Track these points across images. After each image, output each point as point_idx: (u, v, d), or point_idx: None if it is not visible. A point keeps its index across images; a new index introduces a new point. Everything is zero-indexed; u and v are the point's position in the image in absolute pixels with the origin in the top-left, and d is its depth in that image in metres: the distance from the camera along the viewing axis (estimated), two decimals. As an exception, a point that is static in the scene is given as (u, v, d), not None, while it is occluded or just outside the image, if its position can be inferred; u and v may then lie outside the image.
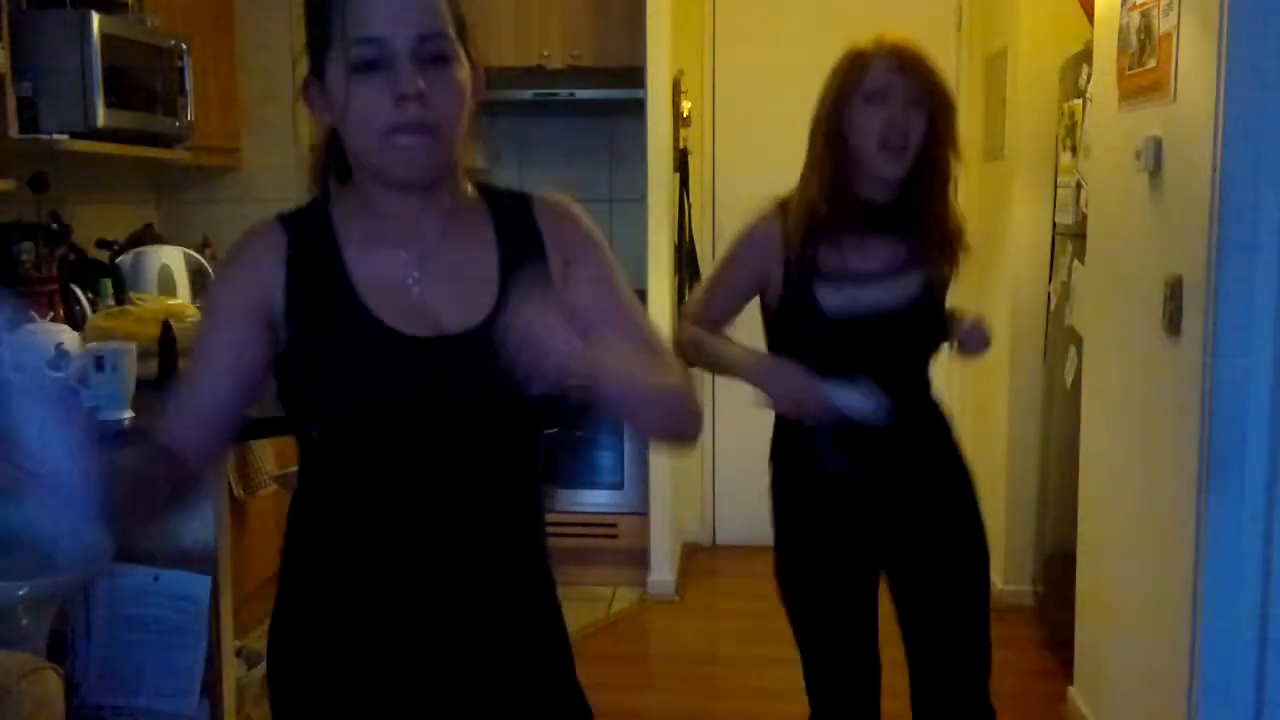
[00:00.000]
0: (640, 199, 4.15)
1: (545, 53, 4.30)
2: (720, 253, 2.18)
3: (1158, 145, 2.44)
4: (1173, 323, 2.35)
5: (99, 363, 2.41)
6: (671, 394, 1.29)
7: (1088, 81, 3.19)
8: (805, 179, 2.01)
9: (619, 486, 4.31)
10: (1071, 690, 3.10)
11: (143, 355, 2.61)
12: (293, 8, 4.20)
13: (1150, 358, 2.51)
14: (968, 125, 4.50)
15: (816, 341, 1.97)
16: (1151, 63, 2.50)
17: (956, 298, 2.14)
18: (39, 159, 3.21)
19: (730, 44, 4.69)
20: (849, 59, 1.97)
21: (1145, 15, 2.53)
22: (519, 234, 1.32)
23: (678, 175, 4.31)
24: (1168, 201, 2.44)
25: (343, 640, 1.32)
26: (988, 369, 4.23)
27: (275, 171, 4.30)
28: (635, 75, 4.09)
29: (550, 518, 1.43)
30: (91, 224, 3.71)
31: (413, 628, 1.30)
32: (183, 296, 3.58)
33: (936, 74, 1.95)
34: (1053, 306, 3.70)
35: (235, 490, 3.01)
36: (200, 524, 2.51)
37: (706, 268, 4.45)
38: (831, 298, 1.96)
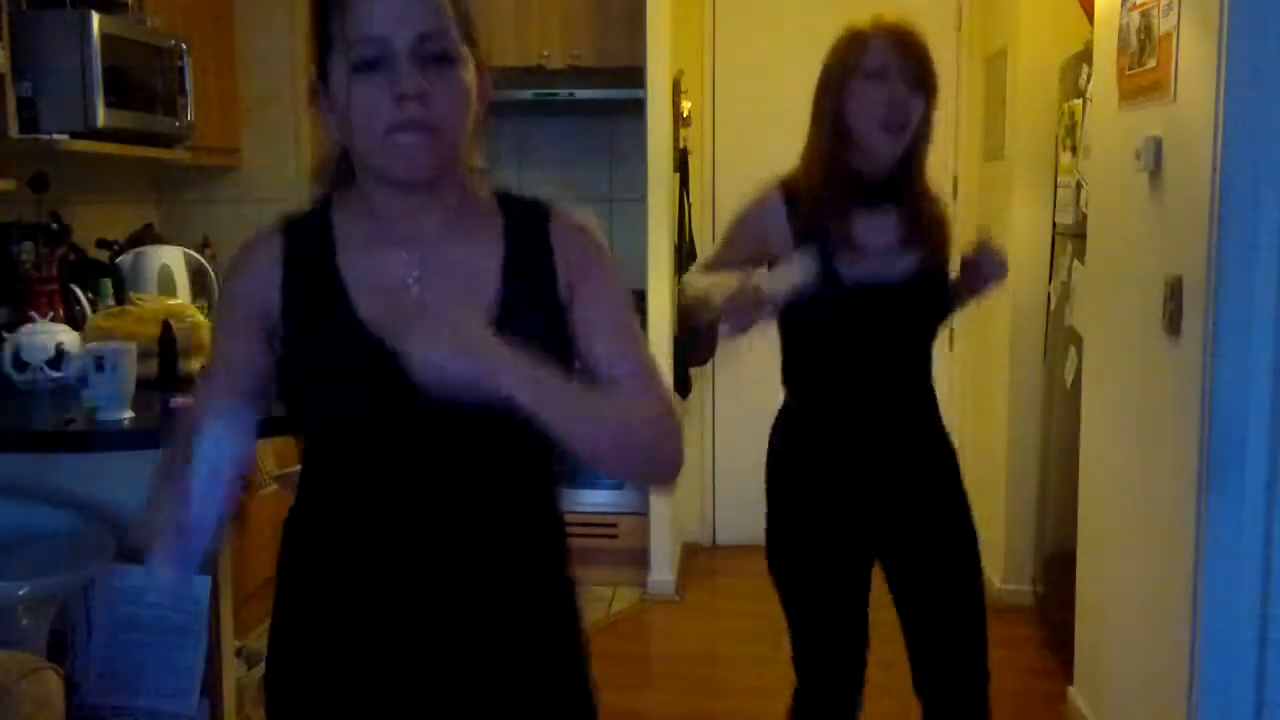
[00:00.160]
0: (640, 199, 4.15)
1: (545, 53, 4.30)
2: (723, 233, 2.18)
3: (1158, 145, 2.44)
4: (1173, 323, 2.35)
5: (99, 363, 2.42)
6: (632, 421, 1.25)
7: (1088, 81, 3.19)
8: (807, 156, 2.05)
9: (619, 486, 4.31)
10: (1071, 690, 3.10)
11: (143, 355, 2.61)
12: (293, 8, 4.20)
13: (1150, 358, 2.51)
14: (968, 125, 4.52)
15: (828, 313, 1.99)
16: (1151, 63, 2.50)
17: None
18: (39, 159, 3.21)
19: (730, 44, 4.69)
20: (848, 38, 2.01)
21: (1145, 15, 2.53)
22: (530, 241, 1.31)
23: (678, 175, 4.31)
24: (1168, 201, 2.44)
25: (343, 645, 1.31)
26: (988, 369, 4.23)
27: (275, 172, 4.30)
28: (635, 75, 4.09)
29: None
30: (91, 224, 3.71)
31: (414, 634, 1.30)
32: (183, 296, 3.58)
33: (930, 55, 1.99)
34: (1053, 306, 3.70)
35: (235, 490, 3.00)
36: (200, 524, 2.51)
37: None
38: (845, 267, 1.97)
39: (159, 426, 2.38)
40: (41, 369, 2.77)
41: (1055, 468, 3.58)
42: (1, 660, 1.98)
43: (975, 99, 4.40)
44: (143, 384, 2.55)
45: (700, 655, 3.79)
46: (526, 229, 1.32)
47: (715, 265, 2.09)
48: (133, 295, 3.34)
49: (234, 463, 1.12)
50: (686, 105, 4.37)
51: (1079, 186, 3.31)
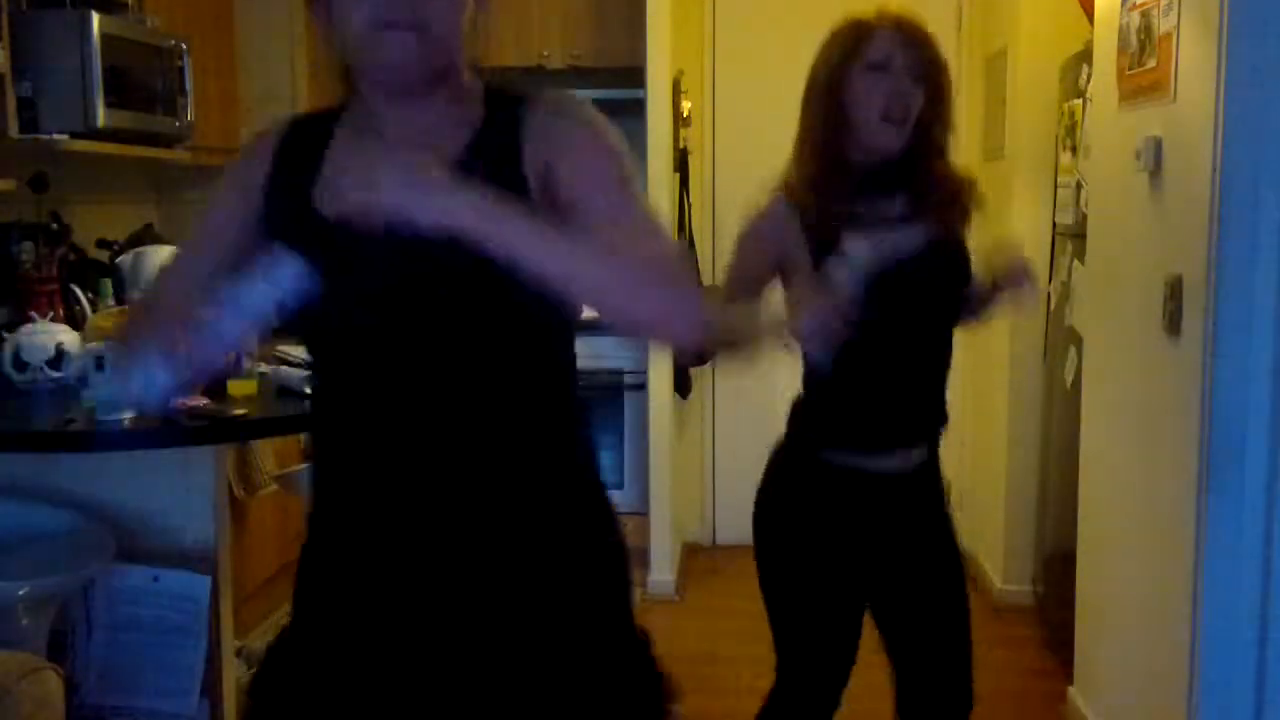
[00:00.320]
0: (640, 199, 4.15)
1: (545, 53, 4.29)
2: (731, 251, 2.09)
3: (1158, 145, 2.44)
4: (1173, 323, 2.35)
5: (99, 363, 2.41)
6: (630, 262, 1.16)
7: (1088, 81, 3.19)
8: (799, 151, 1.99)
9: (619, 486, 4.31)
10: (1071, 690, 3.10)
11: (143, 355, 2.61)
12: (293, 8, 4.19)
13: (1150, 358, 2.51)
14: (968, 125, 4.51)
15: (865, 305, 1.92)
16: (1151, 63, 2.50)
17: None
18: (39, 159, 3.21)
19: (730, 44, 4.69)
20: (850, 27, 1.95)
21: (1145, 15, 2.53)
22: (502, 123, 1.26)
23: (678, 175, 4.31)
24: (1168, 201, 2.44)
25: (370, 581, 1.31)
26: (988, 369, 4.23)
27: (275, 171, 4.29)
28: (635, 75, 4.09)
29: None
30: (91, 224, 3.71)
31: (423, 548, 1.29)
32: (183, 296, 3.57)
33: (937, 48, 1.95)
34: (1053, 306, 3.70)
35: (235, 490, 3.01)
36: (200, 524, 2.52)
37: (707, 267, 4.46)
38: (861, 247, 1.91)
39: (159, 426, 2.38)
40: (41, 369, 2.76)
41: (1055, 468, 3.58)
42: (1, 660, 1.98)
43: (975, 99, 4.40)
44: (143, 384, 2.55)
45: (700, 655, 3.79)
46: (503, 115, 1.28)
47: (735, 287, 2.00)
48: (133, 295, 3.34)
49: (264, 310, 1.14)
50: (686, 105, 4.37)
51: (1079, 186, 3.31)
